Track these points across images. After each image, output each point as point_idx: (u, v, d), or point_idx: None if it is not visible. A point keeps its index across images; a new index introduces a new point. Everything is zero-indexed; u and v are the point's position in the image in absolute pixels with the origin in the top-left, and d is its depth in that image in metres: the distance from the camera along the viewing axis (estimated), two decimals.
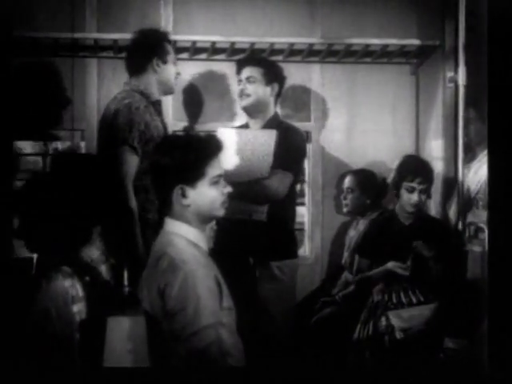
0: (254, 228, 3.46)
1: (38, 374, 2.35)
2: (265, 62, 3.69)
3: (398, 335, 3.38)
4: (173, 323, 2.39)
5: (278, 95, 3.66)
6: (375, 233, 3.69)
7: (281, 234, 3.54)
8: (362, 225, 4.06)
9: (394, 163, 3.72)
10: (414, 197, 3.55)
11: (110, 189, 2.73)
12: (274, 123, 3.57)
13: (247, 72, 3.59)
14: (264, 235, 3.46)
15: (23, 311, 2.40)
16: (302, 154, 3.67)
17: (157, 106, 3.40)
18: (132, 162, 3.19)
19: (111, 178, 3.04)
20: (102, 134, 3.37)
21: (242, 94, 3.58)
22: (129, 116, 3.21)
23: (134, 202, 3.16)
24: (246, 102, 3.58)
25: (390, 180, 3.72)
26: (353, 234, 4.13)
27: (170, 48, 3.44)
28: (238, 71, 3.63)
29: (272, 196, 3.45)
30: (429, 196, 3.65)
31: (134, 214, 3.15)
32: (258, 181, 3.43)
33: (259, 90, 3.57)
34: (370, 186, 4.10)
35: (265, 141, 3.44)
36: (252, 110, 3.61)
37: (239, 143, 3.45)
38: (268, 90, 3.58)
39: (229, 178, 3.22)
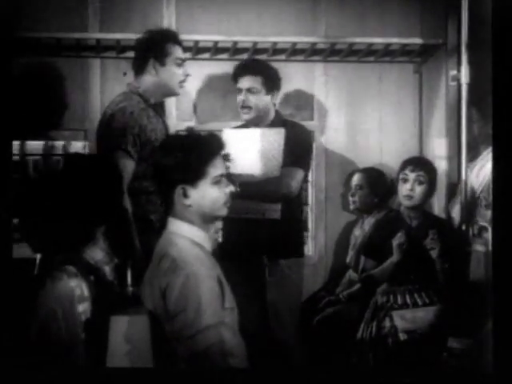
0: (268, 226, 3.45)
1: (43, 374, 2.36)
2: (262, 67, 3.60)
3: (402, 336, 3.37)
4: (174, 324, 2.39)
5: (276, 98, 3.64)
6: (380, 234, 3.67)
7: (292, 232, 3.55)
8: (367, 224, 4.06)
9: (397, 162, 3.72)
10: (407, 186, 3.51)
11: (108, 191, 2.72)
12: (277, 123, 3.56)
13: (248, 82, 3.53)
14: (277, 233, 3.46)
15: (28, 311, 2.40)
16: (309, 149, 3.67)
17: (157, 108, 3.39)
18: (127, 166, 3.18)
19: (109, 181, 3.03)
20: (98, 138, 3.36)
21: (244, 107, 3.54)
22: (123, 120, 3.20)
23: (128, 205, 3.14)
24: (248, 116, 3.55)
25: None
26: (358, 233, 4.12)
27: (172, 49, 3.37)
28: (235, 79, 3.58)
29: (286, 194, 3.44)
30: (431, 192, 3.60)
31: (129, 216, 3.14)
32: (270, 179, 3.42)
33: (260, 101, 3.53)
34: (379, 185, 4.10)
35: (274, 140, 3.43)
36: (254, 120, 3.58)
37: (247, 143, 3.44)
38: (268, 98, 3.55)
39: (239, 178, 3.24)
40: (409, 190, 3.51)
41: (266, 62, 3.73)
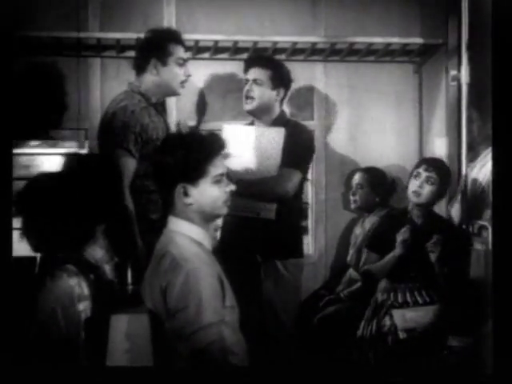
0: (262, 226, 3.44)
1: (43, 373, 2.36)
2: (273, 64, 3.62)
3: (401, 335, 3.37)
4: (175, 322, 2.39)
5: (284, 98, 3.63)
6: (386, 228, 3.66)
7: (288, 233, 3.53)
8: (367, 223, 4.07)
9: (397, 161, 3.71)
10: (417, 182, 3.51)
11: (109, 189, 2.72)
12: (280, 122, 3.56)
13: (255, 73, 3.54)
14: (272, 233, 3.45)
15: (28, 310, 2.41)
16: (310, 151, 3.65)
17: (158, 107, 3.38)
18: (128, 165, 3.19)
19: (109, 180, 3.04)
20: (100, 137, 3.36)
21: (247, 97, 3.54)
22: (124, 119, 3.20)
23: (130, 203, 3.15)
24: (251, 106, 3.54)
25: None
26: (358, 232, 4.13)
27: (174, 49, 3.35)
28: (246, 70, 3.59)
29: (281, 194, 3.44)
30: (440, 194, 3.58)
31: (131, 215, 3.15)
32: (266, 179, 3.42)
33: (264, 94, 3.52)
34: (380, 184, 4.11)
35: (272, 138, 3.43)
36: (256, 113, 3.58)
37: (245, 140, 3.44)
38: (273, 94, 3.54)
39: (236, 175, 3.24)
40: (417, 186, 3.51)
41: (279, 61, 3.74)
